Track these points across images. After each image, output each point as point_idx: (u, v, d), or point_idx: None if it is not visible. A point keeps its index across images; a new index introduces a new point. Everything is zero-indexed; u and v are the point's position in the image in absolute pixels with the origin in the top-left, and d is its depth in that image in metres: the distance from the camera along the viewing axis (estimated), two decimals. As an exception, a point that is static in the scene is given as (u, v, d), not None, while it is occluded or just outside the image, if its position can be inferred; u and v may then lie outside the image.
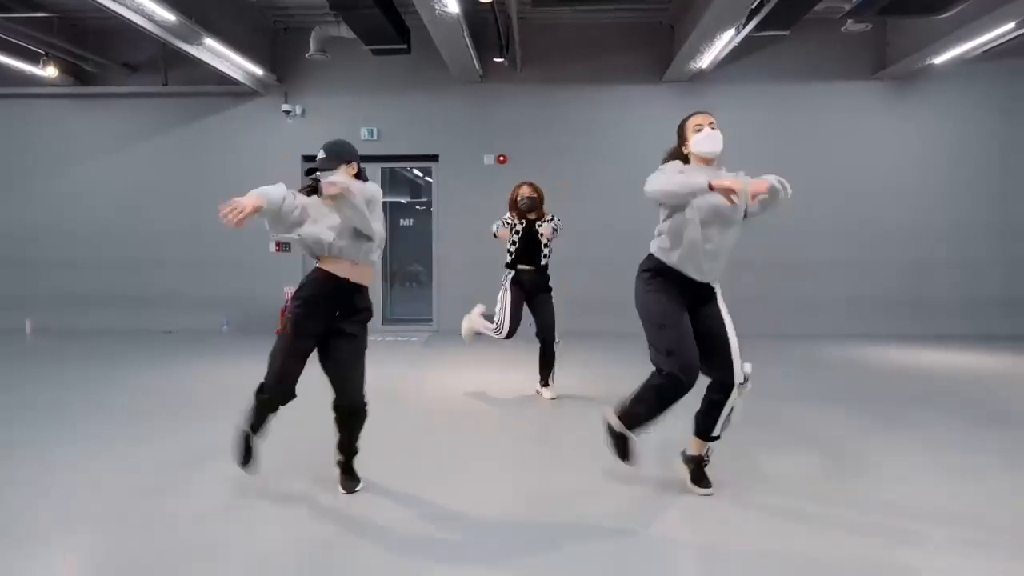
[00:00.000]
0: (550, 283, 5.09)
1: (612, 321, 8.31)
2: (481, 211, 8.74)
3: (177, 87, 9.12)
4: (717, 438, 3.12)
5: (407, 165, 10.05)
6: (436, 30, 6.93)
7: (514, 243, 4.99)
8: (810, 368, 6.56)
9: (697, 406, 3.10)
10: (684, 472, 3.19)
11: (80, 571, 2.54)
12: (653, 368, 3.02)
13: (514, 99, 9.08)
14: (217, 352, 7.51)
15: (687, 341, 2.95)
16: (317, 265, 3.05)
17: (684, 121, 3.12)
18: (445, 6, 6.15)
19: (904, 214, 8.80)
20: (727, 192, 2.72)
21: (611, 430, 3.16)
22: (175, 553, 2.56)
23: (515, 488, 3.27)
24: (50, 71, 8.25)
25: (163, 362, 6.86)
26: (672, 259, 3.03)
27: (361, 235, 3.00)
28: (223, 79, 8.56)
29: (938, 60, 7.94)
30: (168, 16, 6.42)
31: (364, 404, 3.12)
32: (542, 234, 4.92)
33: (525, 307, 5.04)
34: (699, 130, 3.03)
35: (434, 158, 9.32)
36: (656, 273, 3.08)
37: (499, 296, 5.04)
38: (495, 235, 5.08)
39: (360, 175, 3.14)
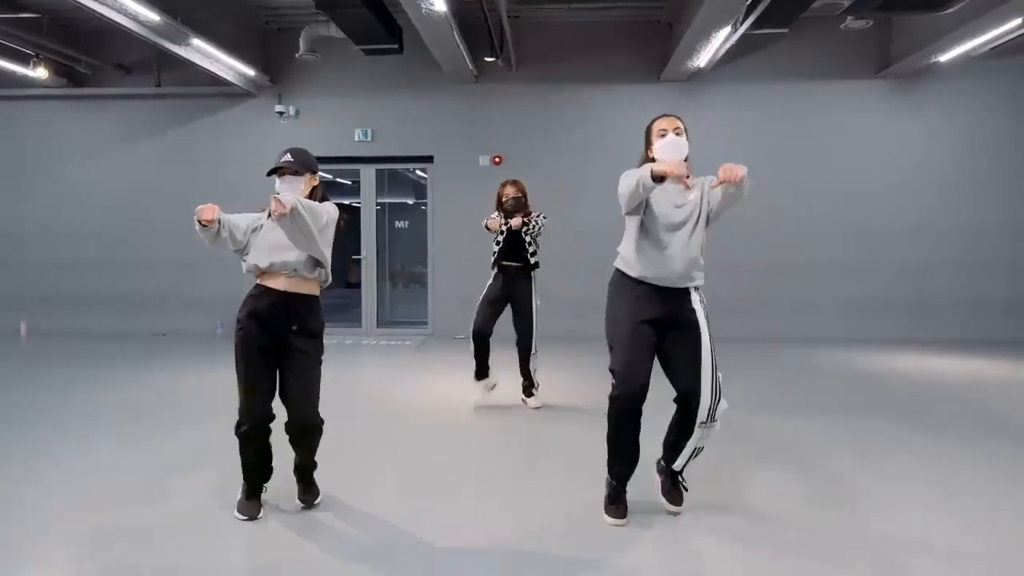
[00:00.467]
0: (534, 285, 4.91)
1: (600, 321, 8.18)
2: (477, 212, 8.57)
3: (170, 88, 9.05)
4: (676, 473, 3.00)
5: (401, 167, 9.94)
6: (425, 29, 6.81)
7: (498, 243, 4.86)
8: (806, 375, 6.39)
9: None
10: (658, 481, 3.07)
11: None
12: None
13: (509, 99, 8.95)
14: (210, 355, 7.44)
15: (633, 357, 2.80)
16: (256, 281, 2.94)
17: (650, 125, 2.98)
18: (432, 5, 6.03)
19: (907, 215, 8.60)
20: (673, 176, 2.59)
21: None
22: (125, 571, 2.46)
23: (487, 513, 3.14)
24: (40, 72, 8.20)
25: (155, 365, 6.79)
26: (634, 270, 2.91)
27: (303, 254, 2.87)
28: (216, 80, 8.48)
29: (943, 58, 7.73)
30: (152, 16, 6.34)
31: (317, 423, 2.99)
32: (524, 231, 4.80)
33: (506, 310, 4.91)
34: (662, 135, 2.89)
35: (429, 159, 9.21)
36: (619, 288, 2.97)
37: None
38: (486, 226, 4.93)
39: (318, 191, 3.01)
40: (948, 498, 3.24)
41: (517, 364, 4.98)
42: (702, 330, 2.86)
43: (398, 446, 4.13)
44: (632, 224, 2.94)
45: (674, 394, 2.90)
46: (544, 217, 4.93)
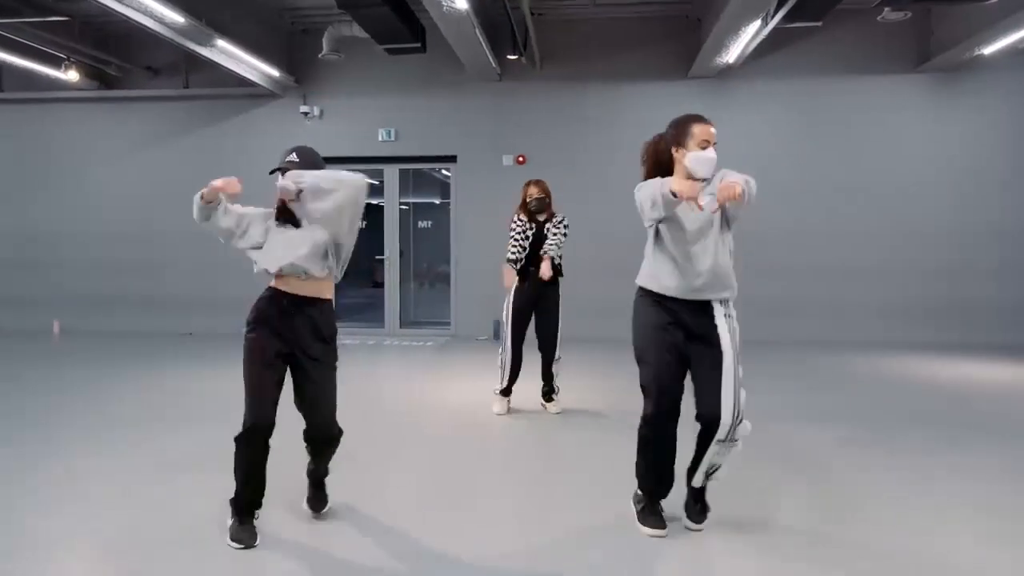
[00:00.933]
0: (559, 290, 4.79)
1: (624, 327, 8.01)
2: (500, 213, 8.49)
3: (198, 90, 9.14)
4: (699, 490, 2.86)
5: (425, 167, 9.89)
6: (447, 27, 6.73)
7: (523, 248, 4.70)
8: (838, 381, 6.13)
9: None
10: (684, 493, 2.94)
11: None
12: None
13: (533, 98, 8.83)
14: (235, 356, 7.46)
15: (663, 372, 2.68)
16: (268, 284, 2.87)
17: (689, 124, 2.74)
18: (453, 2, 5.95)
19: (946, 216, 8.24)
20: (687, 200, 2.47)
21: (634, 497, 2.94)
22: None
23: (509, 524, 3.03)
24: (71, 75, 8.34)
25: (181, 365, 6.84)
26: (655, 284, 2.77)
27: (317, 252, 2.78)
28: (242, 81, 8.54)
29: (987, 50, 7.37)
30: (176, 17, 6.37)
31: (335, 433, 2.90)
32: (547, 253, 4.66)
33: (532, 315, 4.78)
34: (703, 147, 2.70)
35: (452, 159, 9.13)
36: (643, 304, 2.82)
37: (503, 308, 4.79)
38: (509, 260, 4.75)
39: None
40: (996, 521, 3.02)
41: (535, 369, 4.84)
42: (724, 347, 2.69)
43: (415, 451, 4.05)
44: (651, 237, 2.81)
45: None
46: (566, 224, 4.76)
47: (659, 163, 2.83)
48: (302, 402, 2.84)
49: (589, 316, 7.24)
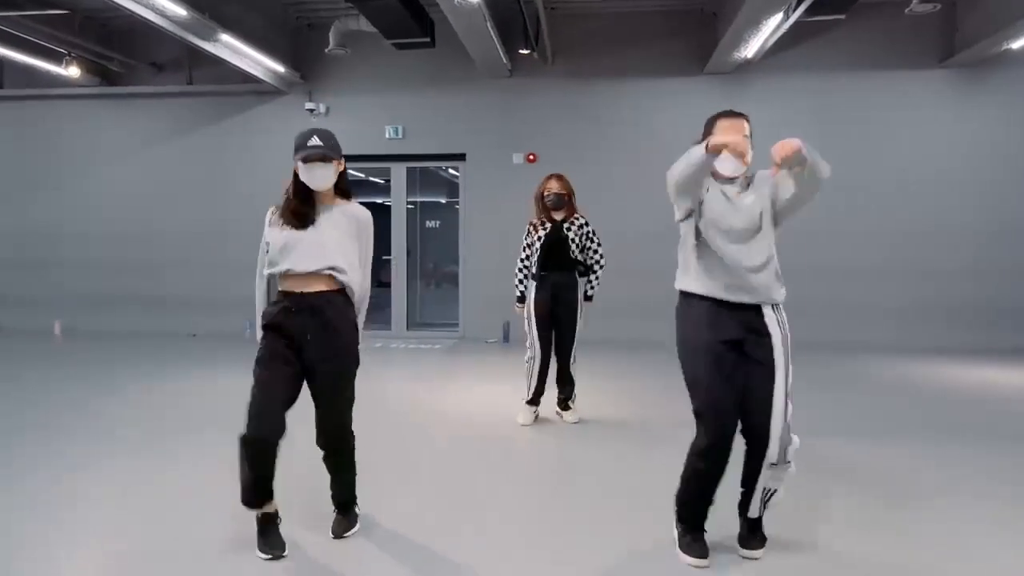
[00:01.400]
0: (579, 293, 4.52)
1: (643, 327, 7.79)
2: (510, 212, 8.32)
3: (202, 86, 8.96)
4: (756, 520, 2.64)
5: (433, 165, 9.69)
6: (458, 21, 6.52)
7: (536, 249, 4.43)
8: (867, 389, 5.89)
9: None
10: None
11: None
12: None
13: (544, 94, 8.61)
14: (238, 357, 7.28)
15: (720, 395, 2.45)
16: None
17: (713, 120, 2.61)
18: (465, -6, 5.74)
19: (971, 215, 7.99)
20: (731, 151, 2.31)
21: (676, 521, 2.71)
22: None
23: (531, 550, 2.83)
24: (73, 71, 8.16)
25: (183, 367, 6.66)
26: (696, 286, 2.55)
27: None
28: (246, 78, 8.35)
29: (1015, 45, 7.13)
30: (179, 11, 6.18)
31: (344, 441, 2.75)
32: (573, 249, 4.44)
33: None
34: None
35: (461, 157, 8.93)
36: (685, 312, 2.60)
37: (524, 323, 4.57)
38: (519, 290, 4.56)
39: (345, 176, 2.72)
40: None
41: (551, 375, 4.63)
42: (776, 359, 2.49)
43: (429, 464, 3.85)
44: (688, 235, 2.60)
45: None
46: (594, 232, 4.51)
47: None
48: (316, 408, 2.71)
49: (597, 317, 7.02)
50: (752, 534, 2.66)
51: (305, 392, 2.68)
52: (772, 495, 2.60)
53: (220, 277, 9.01)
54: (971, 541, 2.82)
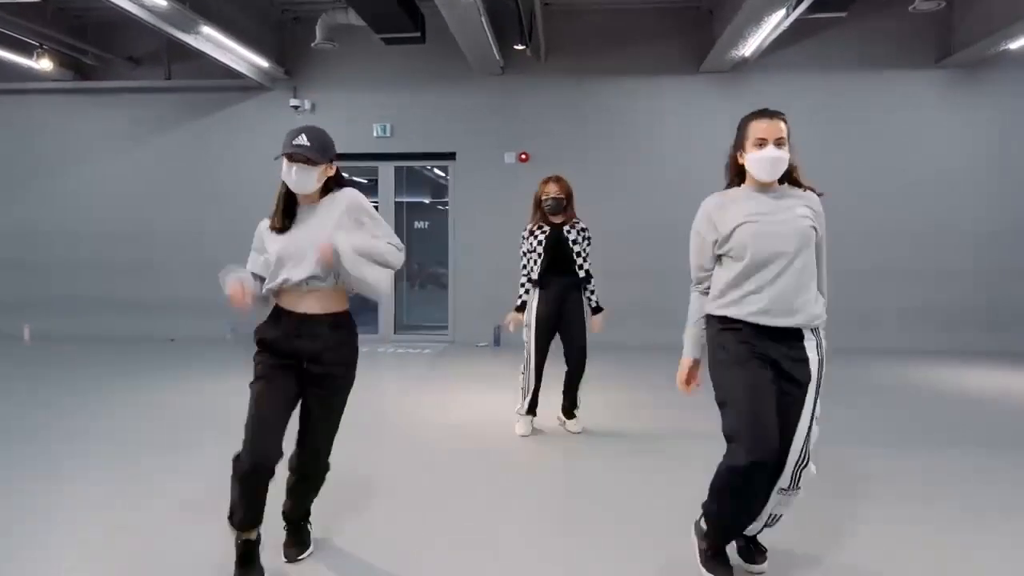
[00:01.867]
0: (583, 294, 4.28)
1: (640, 331, 7.64)
2: (501, 213, 8.12)
3: (181, 81, 8.64)
4: (751, 536, 2.53)
5: (422, 164, 9.46)
6: (451, 15, 6.30)
7: (538, 255, 4.20)
8: (870, 394, 5.78)
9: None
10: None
11: None
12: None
13: (537, 92, 8.41)
14: (219, 362, 6.99)
15: (756, 419, 2.25)
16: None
17: (746, 123, 2.40)
18: (459, -13, 5.53)
19: (969, 217, 7.93)
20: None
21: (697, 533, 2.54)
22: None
23: (540, 570, 2.62)
24: (44, 64, 7.80)
25: (163, 374, 6.35)
26: (732, 309, 2.35)
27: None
28: (228, 72, 8.05)
29: (1013, 45, 7.08)
30: (159, 1, 5.89)
31: (321, 470, 2.55)
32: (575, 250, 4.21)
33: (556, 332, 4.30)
34: (760, 145, 2.33)
35: (451, 156, 8.70)
36: (719, 335, 2.40)
37: (523, 331, 4.32)
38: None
39: (339, 176, 2.49)
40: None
41: (549, 383, 4.39)
42: (809, 389, 2.32)
43: (420, 478, 3.61)
44: (725, 259, 2.42)
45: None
46: (587, 232, 4.30)
47: (739, 172, 2.47)
48: (301, 427, 2.49)
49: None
50: (751, 546, 2.54)
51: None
52: (777, 520, 2.47)
53: (200, 279, 8.62)
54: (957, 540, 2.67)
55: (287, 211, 2.42)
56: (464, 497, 3.36)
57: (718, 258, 2.43)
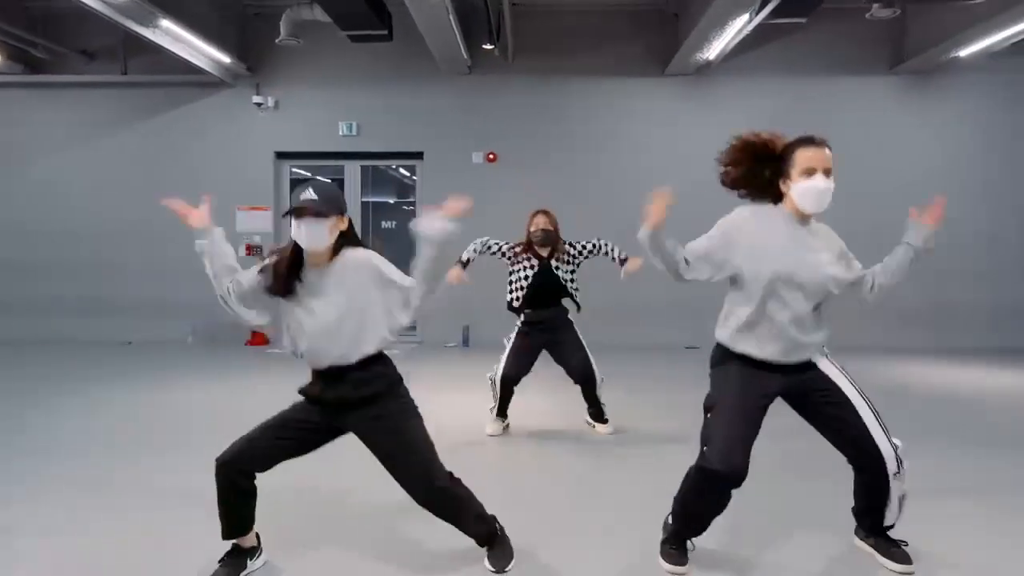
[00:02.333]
0: (569, 315, 4.29)
1: (604, 331, 7.67)
2: (470, 214, 8.08)
3: (138, 76, 8.38)
4: (891, 527, 2.56)
5: (388, 163, 9.37)
6: (419, 13, 6.26)
7: (521, 288, 4.17)
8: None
9: None
10: (866, 549, 2.63)
11: None
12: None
13: (505, 92, 8.41)
14: (180, 366, 6.80)
15: (734, 433, 2.27)
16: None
17: (794, 147, 2.32)
18: (428, -15, 5.49)
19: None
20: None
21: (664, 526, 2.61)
22: None
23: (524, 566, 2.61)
24: (-9, 57, 7.48)
25: (116, 378, 6.14)
26: (748, 346, 2.35)
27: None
28: (188, 68, 7.84)
29: (963, 53, 7.36)
30: (116, -7, 5.71)
31: (436, 489, 2.40)
32: (557, 258, 4.19)
33: (542, 354, 4.29)
34: (810, 175, 2.29)
35: (418, 155, 8.64)
36: (722, 360, 2.42)
37: (506, 341, 4.32)
38: (485, 247, 4.23)
39: (351, 231, 2.36)
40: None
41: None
42: (842, 385, 2.37)
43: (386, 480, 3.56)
44: (733, 290, 2.42)
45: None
46: (604, 243, 4.30)
47: (756, 173, 2.39)
48: (391, 472, 2.41)
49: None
50: (894, 546, 2.53)
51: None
52: (905, 499, 2.48)
53: (158, 280, 8.45)
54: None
55: (292, 274, 2.28)
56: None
57: (732, 280, 2.41)
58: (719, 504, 2.36)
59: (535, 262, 4.20)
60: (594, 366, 4.22)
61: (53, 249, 8.62)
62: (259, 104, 8.50)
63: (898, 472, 2.38)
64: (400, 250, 9.71)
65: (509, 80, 8.38)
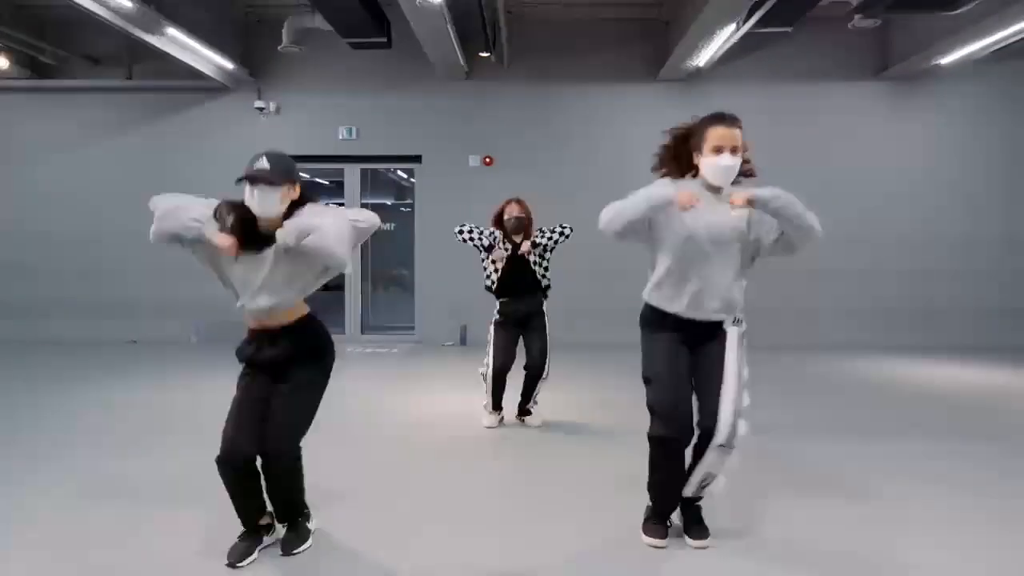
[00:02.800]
0: (544, 306, 4.53)
1: (601, 330, 7.89)
2: (466, 215, 8.21)
3: (142, 81, 8.56)
4: (691, 500, 2.73)
5: (387, 167, 9.57)
6: (418, 22, 6.46)
7: (496, 270, 4.40)
8: (809, 386, 6.16)
9: None
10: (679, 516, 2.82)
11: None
12: None
13: (501, 97, 8.62)
14: (184, 365, 6.98)
15: (673, 395, 2.54)
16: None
17: (705, 127, 2.54)
18: (427, -5, 5.69)
19: (906, 222, 8.45)
20: (681, 207, 2.41)
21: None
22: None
23: (509, 546, 2.81)
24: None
25: (123, 377, 6.32)
26: (663, 303, 2.62)
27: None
28: (191, 73, 8.02)
29: (944, 60, 7.60)
30: (124, 2, 5.89)
31: (284, 457, 2.54)
32: (526, 252, 4.39)
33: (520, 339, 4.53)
34: (718, 152, 2.51)
35: (416, 159, 8.84)
36: (648, 321, 2.68)
37: (488, 336, 4.55)
38: (463, 237, 4.44)
39: (303, 198, 2.51)
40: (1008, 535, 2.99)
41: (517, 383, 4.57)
42: (728, 348, 2.59)
43: (395, 471, 3.77)
44: (659, 250, 2.62)
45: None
46: (564, 229, 4.52)
47: (677, 157, 2.67)
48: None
49: (561, 322, 7.07)
50: (696, 522, 2.74)
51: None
52: (711, 482, 2.65)
53: (161, 281, 8.62)
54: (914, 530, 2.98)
55: (247, 236, 2.42)
56: (439, 484, 3.54)
57: (652, 246, 2.61)
58: (677, 469, 2.59)
59: (509, 246, 4.42)
60: (548, 359, 4.45)
61: (59, 251, 8.79)
62: (261, 109, 8.68)
63: (724, 447, 2.51)
64: (397, 252, 9.87)
65: (505, 86, 8.59)
